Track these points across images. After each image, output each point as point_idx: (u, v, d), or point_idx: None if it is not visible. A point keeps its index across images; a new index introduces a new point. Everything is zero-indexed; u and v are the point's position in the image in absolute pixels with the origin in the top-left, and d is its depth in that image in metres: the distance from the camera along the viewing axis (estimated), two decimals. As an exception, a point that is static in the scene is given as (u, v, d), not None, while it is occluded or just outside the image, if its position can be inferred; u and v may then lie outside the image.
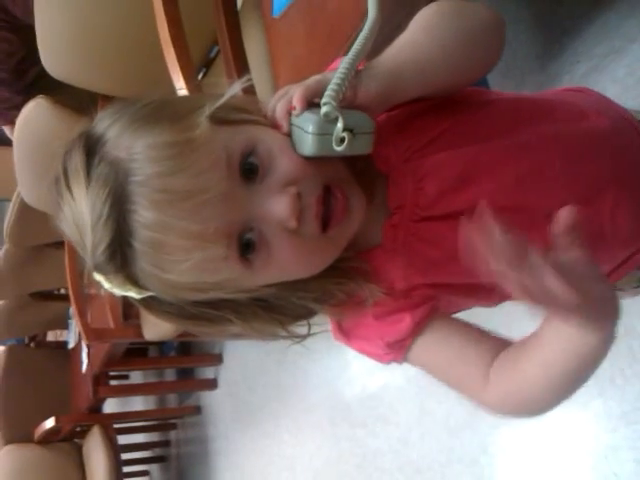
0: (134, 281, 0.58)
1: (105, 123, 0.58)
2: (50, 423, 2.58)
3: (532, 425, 1.53)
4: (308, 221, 0.57)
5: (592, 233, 0.67)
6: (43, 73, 1.77)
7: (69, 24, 1.69)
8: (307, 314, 0.67)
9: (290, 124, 0.59)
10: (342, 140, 0.55)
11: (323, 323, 0.70)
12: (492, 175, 0.64)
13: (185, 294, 0.59)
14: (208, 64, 1.86)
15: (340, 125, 0.55)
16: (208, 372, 3.02)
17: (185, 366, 3.21)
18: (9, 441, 2.75)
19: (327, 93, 0.56)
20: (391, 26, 0.66)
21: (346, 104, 0.57)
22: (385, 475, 1.99)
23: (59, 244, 2.39)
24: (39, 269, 2.71)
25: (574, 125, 0.71)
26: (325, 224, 0.58)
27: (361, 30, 0.62)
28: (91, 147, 0.57)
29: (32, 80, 2.11)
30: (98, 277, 0.60)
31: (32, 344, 3.58)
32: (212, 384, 2.96)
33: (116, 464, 2.59)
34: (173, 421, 3.38)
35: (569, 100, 0.77)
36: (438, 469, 1.80)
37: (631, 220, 0.70)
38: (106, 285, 0.60)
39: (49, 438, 2.73)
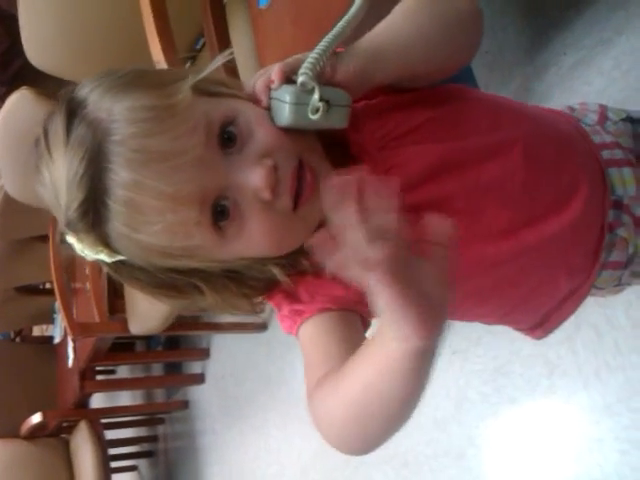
0: (105, 242, 0.59)
1: (87, 88, 0.59)
2: (37, 418, 2.57)
3: (518, 418, 1.54)
4: (282, 195, 0.58)
5: (546, 248, 0.69)
6: (27, 64, 1.76)
7: (53, 15, 1.68)
8: (272, 285, 0.67)
9: (269, 98, 0.60)
10: (318, 110, 0.57)
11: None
12: (456, 176, 0.65)
13: (155, 258, 0.60)
14: (194, 56, 1.85)
15: (316, 94, 0.57)
16: (195, 367, 3.01)
17: (172, 360, 3.19)
18: (-5, 436, 2.73)
19: (304, 65, 0.58)
20: (376, 17, 0.66)
21: (325, 81, 0.58)
22: (372, 468, 2.00)
23: (44, 237, 2.37)
24: (24, 263, 2.69)
25: (546, 137, 0.73)
26: (295, 202, 0.59)
27: (345, 14, 0.63)
28: (72, 110, 0.57)
29: (16, 71, 2.10)
30: (70, 239, 0.61)
31: (17, 339, 3.55)
32: (200, 379, 2.95)
33: (104, 459, 2.58)
34: (161, 416, 3.36)
35: (544, 114, 0.79)
36: (425, 462, 1.80)
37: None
38: (78, 247, 0.61)
39: (36, 433, 2.71)
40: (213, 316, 2.72)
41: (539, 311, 0.78)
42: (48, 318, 3.17)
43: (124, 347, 3.09)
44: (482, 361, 1.62)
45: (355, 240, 0.41)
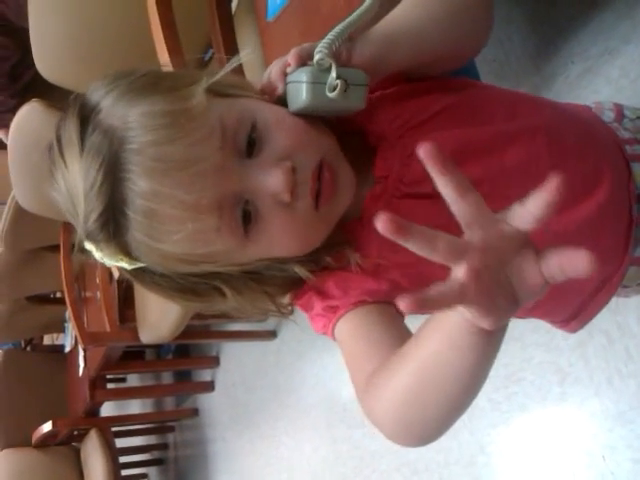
0: (125, 251, 0.59)
1: (100, 92, 0.58)
2: (47, 427, 2.58)
3: (529, 425, 1.54)
4: (302, 196, 0.58)
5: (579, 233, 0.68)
6: (37, 76, 1.77)
7: (63, 27, 1.69)
8: (295, 283, 0.67)
9: (285, 84, 0.60)
10: (335, 88, 0.56)
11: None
12: (479, 161, 0.65)
13: (177, 265, 0.60)
14: (203, 67, 1.86)
15: (334, 71, 0.56)
16: (205, 374, 3.02)
17: (182, 369, 3.20)
18: (6, 445, 2.74)
19: (321, 44, 0.57)
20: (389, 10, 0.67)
21: (341, 65, 0.57)
22: (383, 476, 1.99)
23: (55, 247, 2.38)
24: (35, 273, 2.70)
25: (567, 125, 0.72)
26: (316, 202, 0.59)
27: (360, 5, 0.63)
28: (85, 116, 0.56)
29: (26, 84, 2.11)
30: (89, 246, 0.60)
31: (28, 348, 3.57)
32: (209, 386, 2.96)
33: (114, 467, 2.59)
34: (171, 424, 3.38)
35: (563, 106, 0.79)
36: (436, 470, 1.80)
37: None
38: (97, 255, 0.60)
39: (47, 442, 2.73)
40: (223, 324, 2.72)
41: (572, 302, 0.76)
42: (59, 327, 3.19)
43: (134, 356, 3.10)
44: (493, 368, 1.60)
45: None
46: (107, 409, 3.30)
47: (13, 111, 1.90)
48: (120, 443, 2.95)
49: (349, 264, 0.64)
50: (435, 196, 0.60)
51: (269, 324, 2.58)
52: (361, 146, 0.66)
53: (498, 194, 0.65)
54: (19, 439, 2.73)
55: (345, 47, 0.58)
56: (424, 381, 0.51)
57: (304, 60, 0.59)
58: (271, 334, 2.56)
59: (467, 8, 0.66)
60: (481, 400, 1.64)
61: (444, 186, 0.41)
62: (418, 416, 0.54)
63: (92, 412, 2.84)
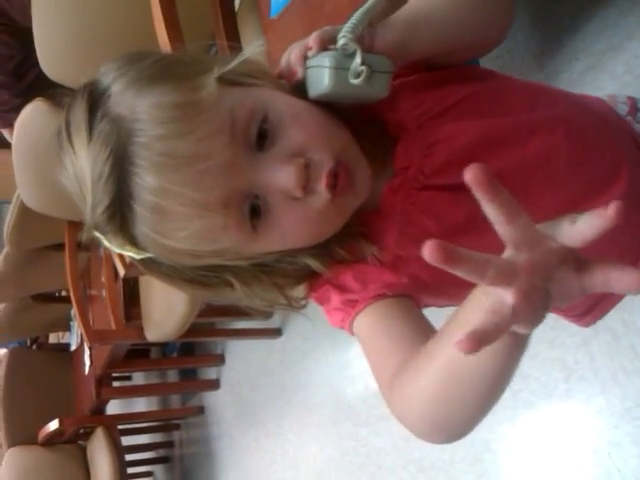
0: (133, 242, 0.58)
1: (110, 77, 0.57)
2: (54, 425, 2.58)
3: (535, 422, 1.53)
4: (316, 192, 0.56)
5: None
6: (41, 75, 1.77)
7: (67, 26, 1.69)
8: (307, 276, 0.66)
9: (305, 68, 0.58)
10: (360, 75, 0.54)
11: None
12: (500, 153, 0.64)
13: (184, 259, 0.59)
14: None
15: (358, 56, 0.54)
16: (211, 372, 3.02)
17: (187, 367, 3.21)
18: (13, 443, 2.75)
19: (344, 28, 0.55)
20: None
21: (364, 51, 0.56)
22: (389, 474, 1.99)
23: (60, 246, 2.39)
24: (40, 271, 2.71)
25: (586, 117, 0.72)
26: (331, 193, 0.57)
27: None
28: (94, 100, 0.56)
29: (30, 83, 2.12)
30: (97, 234, 0.60)
31: (34, 346, 3.58)
32: (215, 384, 2.96)
33: (120, 465, 2.59)
34: (176, 422, 3.38)
35: (580, 98, 0.79)
36: (441, 467, 1.79)
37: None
38: (105, 242, 0.60)
39: (53, 440, 2.73)
40: (228, 322, 2.73)
41: (589, 297, 0.74)
42: (64, 325, 3.20)
43: (139, 354, 3.11)
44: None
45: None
46: (113, 407, 3.30)
47: (17, 110, 1.91)
48: (126, 441, 2.96)
49: (364, 257, 0.63)
50: (455, 189, 0.59)
51: (274, 322, 2.58)
52: (380, 136, 0.65)
53: (518, 187, 0.64)
54: (26, 437, 2.74)
55: (367, 32, 0.57)
56: (451, 381, 0.50)
57: (326, 44, 0.57)
58: (276, 332, 2.56)
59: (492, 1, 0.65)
60: (486, 397, 1.64)
61: (493, 212, 0.40)
62: (446, 415, 0.54)
63: (98, 410, 2.85)
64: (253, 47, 0.61)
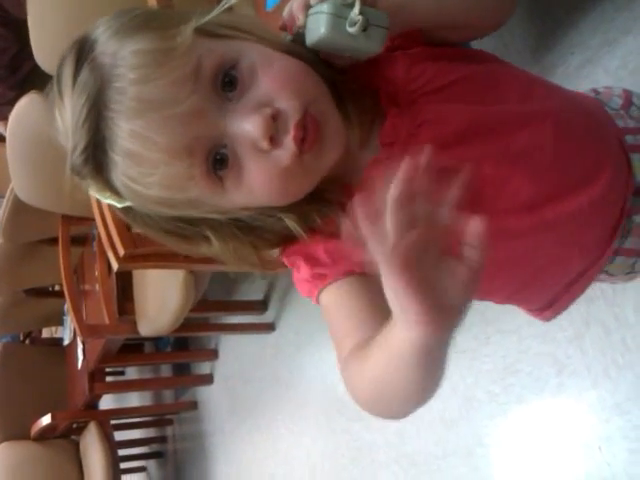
0: (111, 189, 0.60)
1: (99, 29, 0.59)
2: (46, 420, 2.58)
3: (527, 417, 1.54)
4: (283, 144, 0.57)
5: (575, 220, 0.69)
6: (36, 68, 1.77)
7: (62, 19, 1.69)
8: (284, 239, 0.67)
9: (306, 16, 0.59)
10: (356, 24, 0.56)
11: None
12: (485, 141, 0.64)
13: (159, 208, 0.60)
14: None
15: (357, 7, 0.56)
16: (204, 367, 3.02)
17: (181, 361, 3.21)
18: (6, 438, 2.74)
19: None
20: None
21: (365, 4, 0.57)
22: (381, 468, 2.00)
23: (53, 240, 2.38)
24: (33, 265, 2.70)
25: (576, 115, 0.72)
26: (299, 148, 0.57)
27: None
28: (82, 53, 0.57)
29: (25, 75, 2.11)
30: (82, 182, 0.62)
31: (27, 341, 3.57)
32: (208, 379, 2.96)
33: (113, 460, 2.59)
34: (169, 417, 3.38)
35: (572, 93, 0.80)
36: (434, 462, 1.80)
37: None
38: (89, 189, 0.62)
39: (46, 435, 2.73)
40: (221, 317, 2.73)
41: (550, 290, 0.76)
42: (57, 320, 3.19)
43: (133, 348, 3.10)
44: (491, 360, 1.62)
45: (387, 223, 0.42)
46: (106, 402, 3.30)
47: (12, 103, 1.90)
48: (119, 436, 2.96)
49: (338, 232, 0.64)
50: (438, 170, 0.61)
51: (268, 317, 2.58)
52: (374, 109, 0.65)
53: (498, 176, 0.65)
54: (18, 432, 2.74)
55: None
56: (384, 380, 0.54)
57: None
58: (270, 327, 2.56)
59: None
60: (479, 392, 1.65)
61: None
62: (383, 404, 0.59)
63: (91, 405, 2.85)
64: None
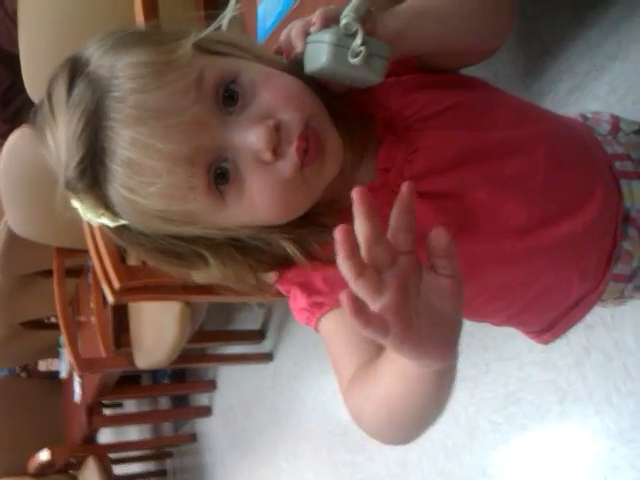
0: (106, 204, 0.58)
1: (91, 47, 0.58)
2: (44, 455, 2.54)
3: (530, 446, 1.51)
4: (286, 156, 0.56)
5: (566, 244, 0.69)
6: (28, 102, 1.77)
7: (53, 53, 1.68)
8: (281, 262, 0.66)
9: (305, 44, 0.59)
10: (358, 55, 0.55)
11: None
12: (479, 167, 0.65)
13: (155, 223, 0.59)
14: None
15: (359, 37, 0.55)
16: (202, 399, 2.98)
17: (179, 393, 3.17)
18: (3, 473, 2.70)
19: (348, 8, 0.56)
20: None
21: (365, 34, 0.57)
22: (384, 500, 1.96)
23: (48, 272, 2.37)
24: (29, 298, 2.68)
25: (567, 140, 0.73)
26: (301, 161, 0.57)
27: None
28: (75, 69, 0.57)
29: (17, 109, 2.11)
30: (75, 202, 0.60)
31: (23, 374, 3.54)
32: (207, 411, 2.92)
33: (113, 495, 2.55)
34: (169, 449, 3.34)
35: (562, 119, 0.80)
36: (437, 493, 1.77)
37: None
38: (81, 210, 0.60)
39: (43, 470, 2.68)
40: (219, 348, 2.70)
41: (549, 314, 0.76)
42: (54, 352, 3.16)
43: (130, 380, 3.07)
44: (492, 388, 1.59)
45: (361, 293, 0.42)
46: (104, 435, 3.26)
47: (4, 137, 1.90)
48: (118, 470, 2.92)
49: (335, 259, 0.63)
50: (432, 196, 0.61)
51: (265, 346, 2.56)
52: (366, 134, 0.65)
53: (492, 201, 0.66)
54: (15, 467, 2.70)
55: (370, 18, 0.58)
56: (400, 404, 0.54)
57: (329, 22, 0.58)
58: (267, 356, 2.53)
59: (494, 5, 0.66)
60: (481, 421, 1.62)
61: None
62: (394, 428, 0.59)
63: (89, 439, 2.81)
64: (230, 10, 0.64)
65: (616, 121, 0.83)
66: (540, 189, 0.67)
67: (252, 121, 0.56)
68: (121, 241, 0.63)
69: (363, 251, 0.42)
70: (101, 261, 1.62)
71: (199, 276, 0.66)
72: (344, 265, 0.41)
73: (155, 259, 0.64)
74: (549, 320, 0.77)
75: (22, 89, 1.74)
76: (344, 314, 0.61)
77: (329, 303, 0.64)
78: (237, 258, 0.64)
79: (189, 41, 0.57)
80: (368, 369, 0.57)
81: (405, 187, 0.44)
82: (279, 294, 0.71)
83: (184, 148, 0.54)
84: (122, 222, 0.60)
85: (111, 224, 0.61)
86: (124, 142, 0.54)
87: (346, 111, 0.64)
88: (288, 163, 0.56)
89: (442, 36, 0.63)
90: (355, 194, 0.43)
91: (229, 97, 0.56)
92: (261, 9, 1.15)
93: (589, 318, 1.32)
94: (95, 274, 1.75)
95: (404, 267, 0.43)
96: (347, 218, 0.63)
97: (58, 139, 0.57)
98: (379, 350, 0.56)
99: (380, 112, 0.65)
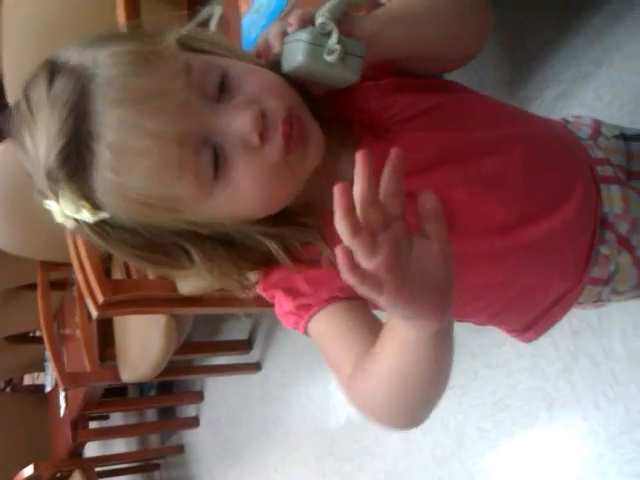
0: (87, 195, 0.57)
1: (71, 47, 0.58)
2: (29, 471, 2.50)
3: (519, 452, 1.52)
4: (272, 140, 0.57)
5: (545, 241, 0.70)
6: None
7: (37, 62, 1.68)
8: (265, 261, 0.66)
9: (283, 44, 0.60)
10: (333, 53, 0.57)
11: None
12: (457, 166, 0.66)
13: (139, 211, 0.58)
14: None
15: (335, 36, 0.57)
16: (189, 410, 2.96)
17: (165, 405, 3.14)
18: (-13, 490, 2.66)
19: (323, 8, 0.58)
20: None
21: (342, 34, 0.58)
22: (374, 509, 1.96)
23: (33, 285, 2.34)
24: (13, 312, 2.65)
25: (545, 139, 0.75)
26: (286, 146, 0.58)
27: None
28: (55, 67, 0.56)
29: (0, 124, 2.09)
30: (49, 202, 0.59)
31: (8, 389, 3.49)
32: (194, 422, 2.89)
33: (99, 509, 2.52)
34: (156, 461, 3.30)
35: (542, 119, 0.82)
36: (427, 501, 1.76)
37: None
38: (57, 210, 0.59)
39: (29, 486, 2.65)
40: (205, 359, 2.68)
41: (530, 312, 0.77)
42: (39, 366, 3.12)
43: (116, 392, 3.04)
44: (480, 395, 1.60)
45: (356, 252, 0.43)
46: (91, 448, 3.22)
47: (-14, 151, 1.87)
48: (105, 484, 2.88)
49: (318, 259, 0.63)
50: (413, 196, 0.62)
51: (253, 356, 2.55)
52: (345, 137, 0.66)
53: (471, 200, 0.67)
54: (0, 483, 2.66)
55: (347, 20, 0.59)
56: (405, 379, 0.55)
57: (306, 23, 0.59)
58: (255, 366, 2.52)
59: (471, 9, 0.68)
60: (470, 429, 1.62)
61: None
62: (403, 405, 0.59)
63: (75, 453, 2.78)
64: (207, 9, 0.67)
65: (597, 125, 0.84)
66: (519, 188, 0.68)
67: (239, 107, 0.57)
68: (101, 240, 0.62)
69: (359, 211, 0.43)
70: (85, 275, 1.61)
71: (182, 278, 0.67)
72: (341, 224, 0.43)
73: (137, 257, 0.63)
74: (529, 319, 0.78)
75: (5, 105, 1.73)
76: (340, 309, 0.64)
77: (316, 304, 0.64)
78: (222, 253, 0.64)
79: (173, 35, 0.59)
80: (366, 356, 0.58)
81: (394, 152, 0.46)
82: (263, 302, 0.71)
83: (173, 129, 0.55)
84: (103, 215, 0.59)
85: (91, 219, 0.59)
86: (112, 123, 0.53)
87: (324, 114, 0.65)
88: (275, 147, 0.57)
89: (418, 40, 0.64)
90: (358, 156, 0.44)
91: (216, 87, 0.58)
92: (246, 21, 1.15)
93: (576, 323, 1.34)
94: (79, 288, 1.74)
95: (396, 232, 0.45)
96: (327, 220, 0.64)
97: (37, 135, 0.56)
98: (374, 340, 0.57)
99: (359, 115, 0.66)
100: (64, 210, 0.59)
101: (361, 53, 0.59)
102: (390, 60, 0.67)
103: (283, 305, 0.66)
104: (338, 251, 0.42)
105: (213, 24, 0.67)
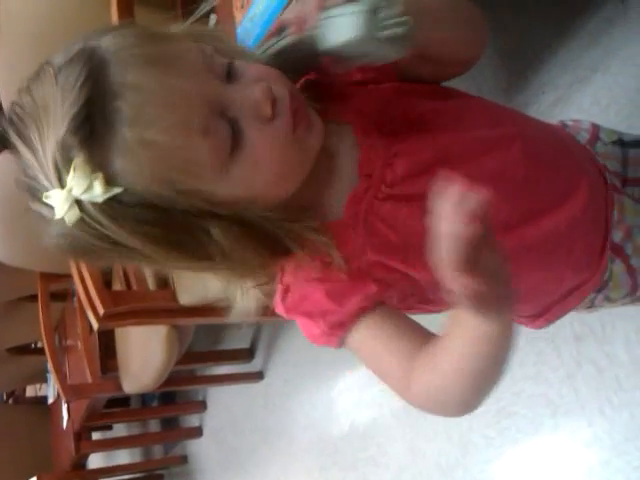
0: (101, 163, 0.54)
1: (68, 48, 0.57)
2: (32, 483, 2.50)
3: (524, 459, 1.51)
4: (284, 114, 0.58)
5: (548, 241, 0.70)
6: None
7: (32, 67, 1.67)
8: (281, 253, 0.64)
9: (323, 18, 0.59)
10: (386, 29, 0.56)
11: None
12: (456, 166, 0.65)
13: (158, 177, 0.55)
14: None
15: (391, 9, 0.56)
16: (192, 420, 2.95)
17: (168, 415, 3.13)
18: (-9, 503, 2.66)
19: None
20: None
21: None
22: (379, 518, 1.94)
23: (33, 297, 2.34)
24: (14, 324, 2.65)
25: (544, 138, 0.75)
26: (293, 122, 0.59)
27: None
28: (58, 62, 0.56)
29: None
30: (54, 193, 0.55)
31: (10, 400, 3.49)
32: (197, 432, 2.88)
33: (103, 521, 2.51)
34: (160, 472, 3.29)
35: (540, 121, 0.81)
36: (433, 510, 1.75)
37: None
38: (59, 199, 0.55)
39: (33, 499, 2.64)
40: (208, 368, 2.67)
41: (541, 303, 0.78)
42: (41, 377, 3.12)
43: (119, 402, 3.03)
44: (484, 403, 1.58)
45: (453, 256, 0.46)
46: (94, 459, 3.21)
47: (-15, 163, 1.87)
48: (108, 495, 2.87)
49: (331, 267, 0.63)
50: (413, 199, 0.63)
51: (255, 365, 2.54)
52: (344, 140, 0.66)
53: None
54: (4, 496, 2.65)
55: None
56: (476, 365, 0.57)
57: None
58: (257, 375, 2.51)
59: (475, 15, 0.69)
60: (474, 436, 1.61)
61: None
62: (476, 388, 0.60)
63: (78, 465, 2.77)
64: (209, 3, 0.67)
65: (596, 130, 0.84)
66: (521, 185, 0.68)
67: (249, 84, 0.59)
68: (111, 221, 0.56)
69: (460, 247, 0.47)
70: (85, 287, 1.60)
71: (195, 270, 0.65)
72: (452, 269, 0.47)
73: (151, 239, 0.58)
74: (543, 306, 0.78)
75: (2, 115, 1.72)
76: (374, 318, 0.64)
77: (347, 319, 0.64)
78: (242, 233, 0.61)
79: (179, 26, 0.61)
80: (430, 353, 0.60)
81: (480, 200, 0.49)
82: (265, 310, 0.69)
83: (199, 89, 0.56)
84: (116, 191, 0.54)
85: (101, 196, 0.54)
86: (134, 81, 0.53)
87: (322, 117, 0.65)
88: (284, 120, 0.58)
89: (434, 36, 0.64)
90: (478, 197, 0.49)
91: (225, 70, 0.59)
92: (241, 30, 1.15)
93: (578, 329, 1.33)
94: (80, 299, 1.73)
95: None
96: (334, 231, 0.64)
97: (45, 120, 0.53)
98: (419, 338, 0.61)
99: (359, 118, 0.66)
100: (72, 190, 0.54)
101: (409, 31, 0.57)
102: (391, 66, 0.66)
103: (313, 328, 0.66)
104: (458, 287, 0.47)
105: (212, 24, 0.68)
